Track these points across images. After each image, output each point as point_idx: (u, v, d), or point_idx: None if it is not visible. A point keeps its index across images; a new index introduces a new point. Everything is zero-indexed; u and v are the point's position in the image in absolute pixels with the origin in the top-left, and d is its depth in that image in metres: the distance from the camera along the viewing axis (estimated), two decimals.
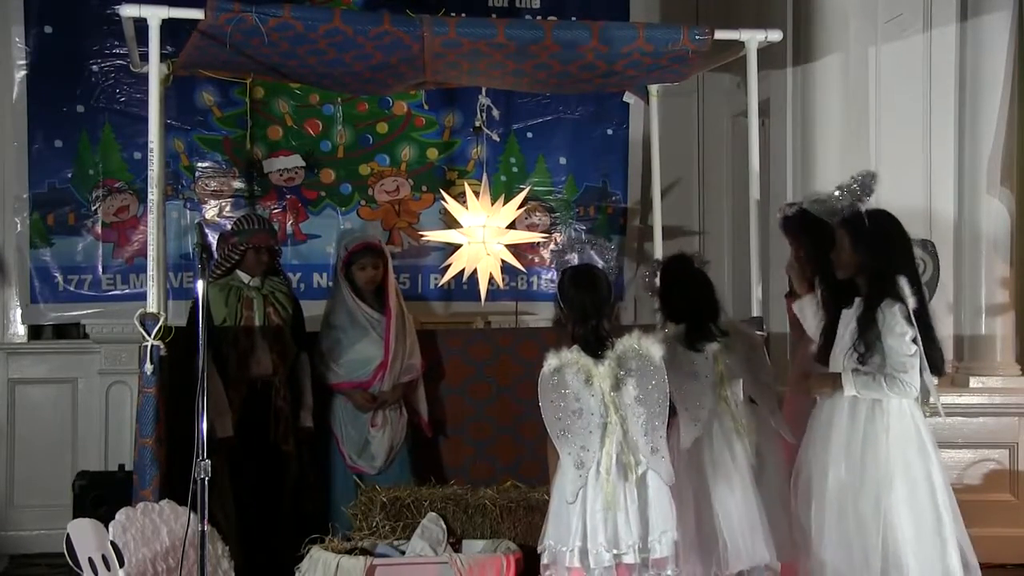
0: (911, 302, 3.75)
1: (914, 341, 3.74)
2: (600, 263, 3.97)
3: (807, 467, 3.94)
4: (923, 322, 3.80)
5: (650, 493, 3.69)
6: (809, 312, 4.25)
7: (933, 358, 3.83)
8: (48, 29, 6.16)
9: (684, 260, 4.40)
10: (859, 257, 3.89)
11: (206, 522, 3.59)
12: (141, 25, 4.52)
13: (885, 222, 3.93)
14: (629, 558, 3.62)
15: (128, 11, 4.47)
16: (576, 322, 3.74)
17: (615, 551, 3.61)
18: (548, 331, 4.02)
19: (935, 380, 3.92)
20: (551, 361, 3.68)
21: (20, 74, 6.15)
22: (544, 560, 3.73)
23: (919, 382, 3.78)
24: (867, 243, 3.87)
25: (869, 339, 3.77)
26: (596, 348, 3.69)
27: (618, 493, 3.63)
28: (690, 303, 4.24)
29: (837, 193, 4.10)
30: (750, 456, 4.12)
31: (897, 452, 3.78)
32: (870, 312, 3.78)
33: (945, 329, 5.73)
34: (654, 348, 3.70)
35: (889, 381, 3.75)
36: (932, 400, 3.88)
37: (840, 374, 3.86)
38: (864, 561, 3.75)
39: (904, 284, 3.77)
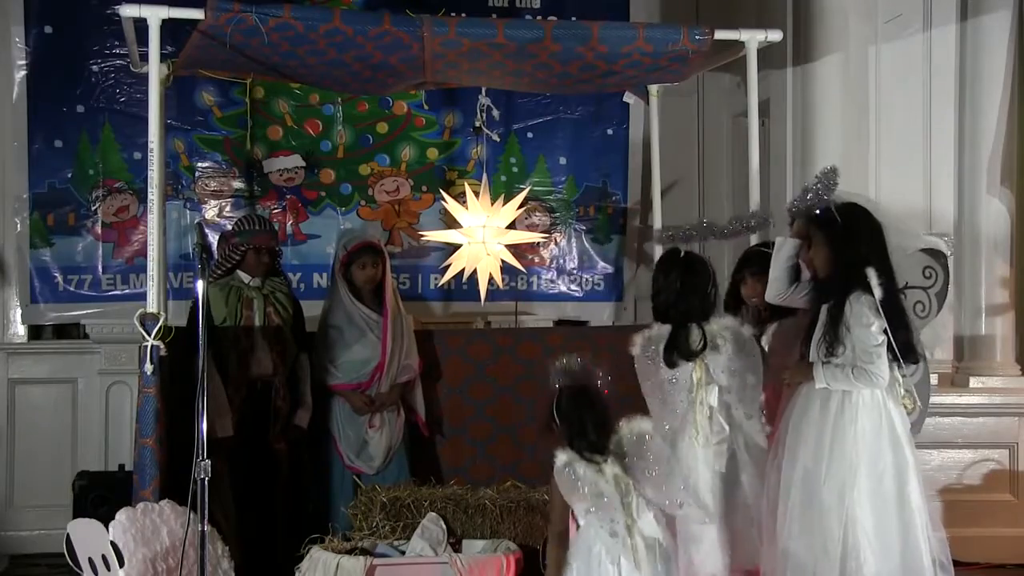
0: (878, 292, 3.75)
1: (884, 332, 3.75)
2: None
3: (779, 456, 3.94)
4: (894, 310, 3.80)
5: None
6: None
7: (908, 343, 3.83)
8: (48, 29, 6.15)
9: (672, 260, 4.18)
10: (829, 252, 3.91)
11: (206, 522, 3.59)
12: (141, 25, 4.52)
13: (853, 215, 3.94)
14: None
15: (128, 11, 4.47)
16: (573, 438, 3.72)
17: None
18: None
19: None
20: (561, 456, 3.67)
21: (20, 74, 6.14)
22: None
23: (887, 372, 3.78)
24: (835, 238, 3.90)
25: (838, 331, 3.79)
26: (594, 457, 3.69)
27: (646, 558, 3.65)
28: (677, 309, 4.06)
29: (804, 194, 4.10)
30: (719, 466, 4.01)
31: (864, 446, 3.78)
32: (839, 305, 3.80)
33: (945, 330, 5.75)
34: (656, 438, 3.72)
35: (856, 372, 3.77)
36: (902, 393, 3.87)
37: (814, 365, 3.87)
38: (824, 552, 3.75)
39: (872, 275, 3.78)
